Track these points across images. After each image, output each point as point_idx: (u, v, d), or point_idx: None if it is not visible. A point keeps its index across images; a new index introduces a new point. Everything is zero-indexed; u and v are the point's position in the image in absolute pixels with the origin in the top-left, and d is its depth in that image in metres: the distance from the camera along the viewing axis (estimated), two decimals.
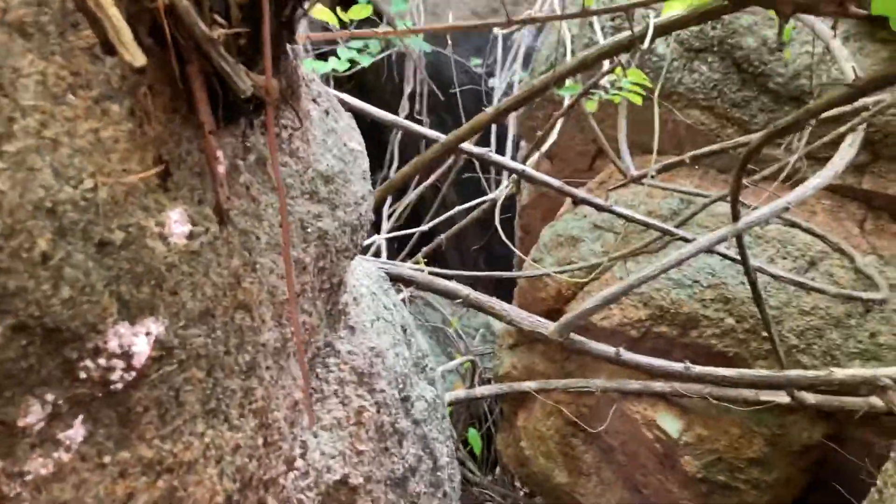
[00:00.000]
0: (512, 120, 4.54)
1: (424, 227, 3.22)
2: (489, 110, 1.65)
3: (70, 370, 0.75)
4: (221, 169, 0.83)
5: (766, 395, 2.61)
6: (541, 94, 2.49)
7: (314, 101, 1.16)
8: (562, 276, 2.84)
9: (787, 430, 2.71)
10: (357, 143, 1.25)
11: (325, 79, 5.72)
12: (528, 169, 2.33)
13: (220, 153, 0.83)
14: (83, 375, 0.76)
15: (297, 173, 1.07)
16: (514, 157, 3.46)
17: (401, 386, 1.42)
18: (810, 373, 2.20)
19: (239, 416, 0.95)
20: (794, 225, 2.67)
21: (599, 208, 2.38)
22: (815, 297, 2.56)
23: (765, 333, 2.59)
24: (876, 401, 2.38)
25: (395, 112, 5.71)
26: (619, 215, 2.42)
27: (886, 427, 2.53)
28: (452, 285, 2.38)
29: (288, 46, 0.95)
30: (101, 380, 0.77)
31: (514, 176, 2.68)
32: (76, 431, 0.78)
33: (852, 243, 2.63)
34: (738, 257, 2.05)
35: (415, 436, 1.42)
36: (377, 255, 4.29)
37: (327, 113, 1.18)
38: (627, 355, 2.50)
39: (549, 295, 3.07)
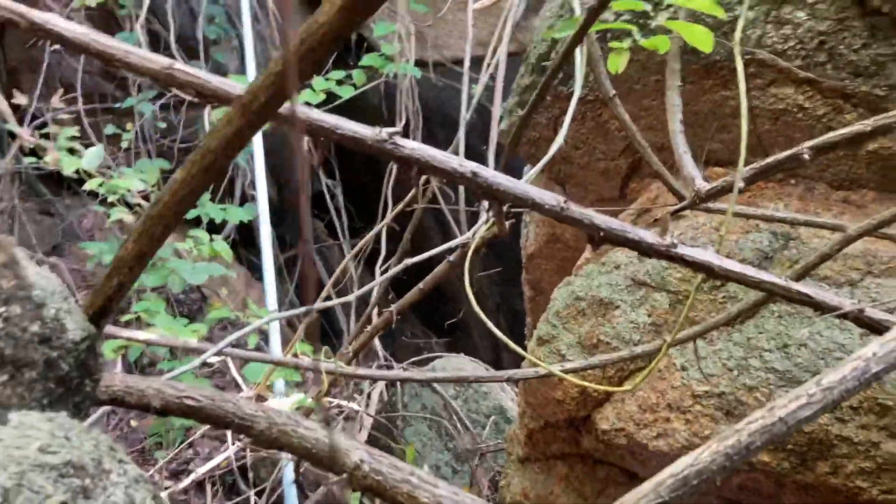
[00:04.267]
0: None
1: (350, 298, 2.13)
2: None
3: None
4: None
5: None
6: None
7: None
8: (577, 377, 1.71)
9: None
10: None
11: None
12: (482, 170, 1.12)
13: None
14: None
15: None
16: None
17: None
18: None
19: None
20: None
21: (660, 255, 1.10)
22: None
23: None
24: None
25: None
26: (696, 271, 1.21)
27: None
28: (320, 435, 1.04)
29: None
30: None
31: (491, 210, 1.55)
32: None
33: None
34: None
35: None
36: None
37: None
38: None
39: (569, 396, 1.92)
